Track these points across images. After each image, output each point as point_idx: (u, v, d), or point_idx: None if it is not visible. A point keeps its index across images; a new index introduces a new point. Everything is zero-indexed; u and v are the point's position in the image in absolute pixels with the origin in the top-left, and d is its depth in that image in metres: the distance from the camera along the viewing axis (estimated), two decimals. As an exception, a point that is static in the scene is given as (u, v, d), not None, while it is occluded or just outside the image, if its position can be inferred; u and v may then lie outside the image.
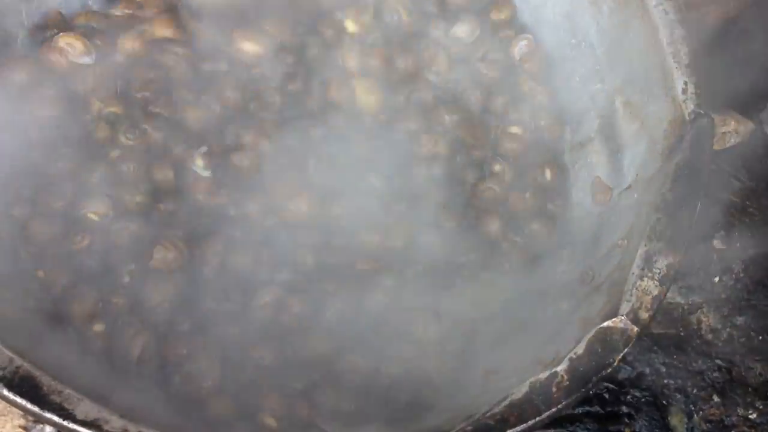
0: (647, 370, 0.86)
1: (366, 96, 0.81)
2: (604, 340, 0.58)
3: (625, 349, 0.57)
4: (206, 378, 0.66)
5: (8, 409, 0.77)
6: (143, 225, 0.72)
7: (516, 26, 0.87)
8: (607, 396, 0.84)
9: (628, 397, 0.85)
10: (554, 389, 0.56)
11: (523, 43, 0.86)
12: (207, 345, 0.68)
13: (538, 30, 0.86)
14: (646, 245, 0.62)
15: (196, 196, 0.75)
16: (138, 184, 0.74)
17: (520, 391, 0.56)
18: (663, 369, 0.87)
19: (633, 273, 0.61)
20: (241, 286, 0.71)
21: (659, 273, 0.60)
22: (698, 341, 0.89)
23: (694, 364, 0.87)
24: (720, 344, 0.89)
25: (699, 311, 0.90)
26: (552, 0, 0.84)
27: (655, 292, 0.60)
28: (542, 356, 0.65)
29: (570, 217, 0.79)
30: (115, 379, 0.65)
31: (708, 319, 0.90)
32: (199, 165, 0.76)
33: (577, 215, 0.79)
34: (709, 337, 0.89)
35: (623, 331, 0.58)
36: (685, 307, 0.90)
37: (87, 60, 0.79)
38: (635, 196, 0.71)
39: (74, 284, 0.69)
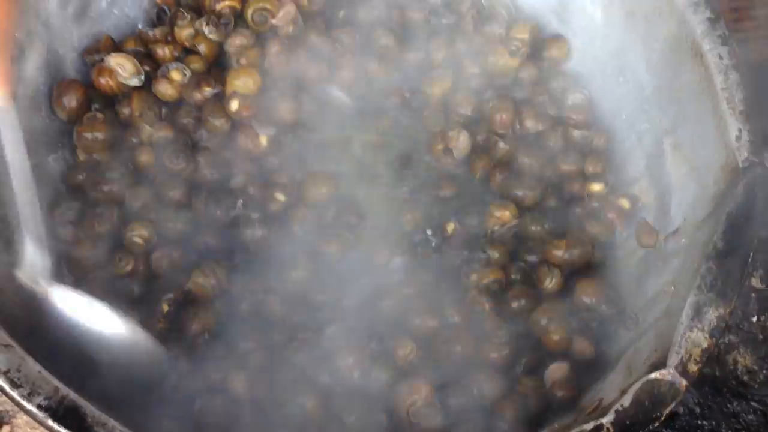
0: (681, 410, 0.85)
1: None
2: (652, 392, 0.57)
3: (674, 404, 0.56)
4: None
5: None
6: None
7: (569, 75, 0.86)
8: (639, 436, 0.83)
9: (661, 437, 0.84)
10: (600, 442, 0.55)
11: (578, 96, 0.84)
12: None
13: (584, 66, 0.86)
14: (695, 295, 0.60)
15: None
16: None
17: (565, 443, 0.56)
18: (697, 410, 0.85)
19: (682, 323, 0.60)
20: None
21: (709, 325, 0.59)
22: (734, 382, 0.87)
23: (729, 406, 0.86)
24: (756, 386, 0.87)
25: (735, 351, 0.88)
26: (600, 37, 0.83)
27: (705, 345, 0.58)
28: (585, 401, 0.65)
29: (613, 257, 0.78)
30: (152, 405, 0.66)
31: (744, 360, 0.88)
32: None
33: (620, 255, 0.78)
34: (745, 378, 0.87)
35: (671, 384, 0.57)
36: (722, 346, 0.89)
37: (136, 82, 0.80)
38: (683, 240, 0.70)
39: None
